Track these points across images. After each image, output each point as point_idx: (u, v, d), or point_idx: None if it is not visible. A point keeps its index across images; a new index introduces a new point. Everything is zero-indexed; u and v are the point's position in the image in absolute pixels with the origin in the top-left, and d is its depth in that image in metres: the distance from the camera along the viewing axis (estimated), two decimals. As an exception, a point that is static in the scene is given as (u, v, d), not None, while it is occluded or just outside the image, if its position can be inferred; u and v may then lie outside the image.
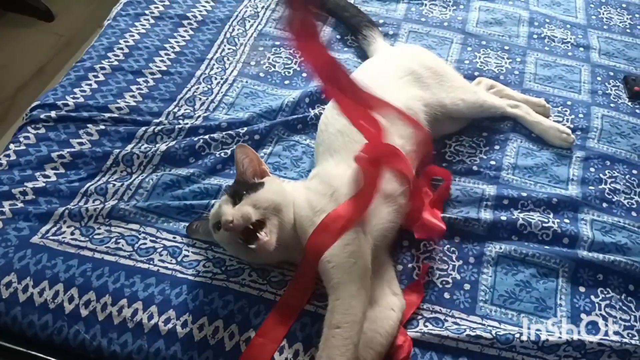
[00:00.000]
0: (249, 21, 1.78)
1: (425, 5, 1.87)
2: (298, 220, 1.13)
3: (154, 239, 1.22)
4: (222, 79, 1.59)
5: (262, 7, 1.83)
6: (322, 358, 0.98)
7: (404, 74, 1.39)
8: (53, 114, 1.43)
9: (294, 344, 1.07)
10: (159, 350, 1.07)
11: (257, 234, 1.06)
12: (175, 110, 1.49)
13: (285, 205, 1.13)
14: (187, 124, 1.45)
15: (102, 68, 1.57)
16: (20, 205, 1.26)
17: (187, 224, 1.24)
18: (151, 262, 1.18)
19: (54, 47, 2.61)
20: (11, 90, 2.41)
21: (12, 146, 1.37)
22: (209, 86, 1.56)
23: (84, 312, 1.10)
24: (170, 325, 1.08)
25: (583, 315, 1.16)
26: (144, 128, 1.43)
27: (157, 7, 1.78)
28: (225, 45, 1.68)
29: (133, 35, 1.68)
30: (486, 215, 1.29)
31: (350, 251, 1.06)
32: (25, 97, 2.29)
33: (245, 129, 1.43)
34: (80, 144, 1.39)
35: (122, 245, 1.20)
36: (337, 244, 1.06)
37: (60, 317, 1.10)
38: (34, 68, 2.51)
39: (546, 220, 1.29)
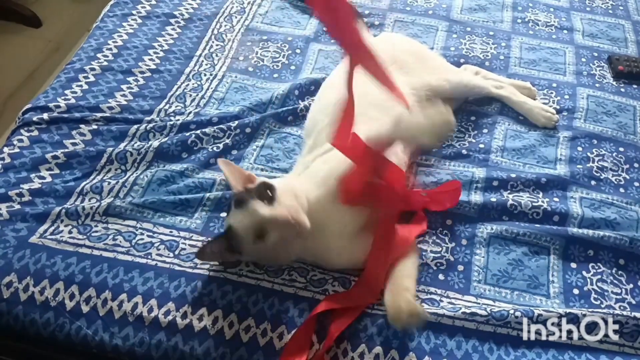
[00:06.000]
0: (236, 17, 1.79)
1: (410, -6, 1.89)
2: (315, 198, 1.15)
3: (150, 234, 1.24)
4: (211, 74, 1.60)
5: (248, 3, 1.84)
6: None
7: (388, 64, 1.40)
8: (45, 116, 1.44)
9: (293, 331, 1.09)
10: (160, 341, 1.08)
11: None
12: (166, 107, 1.50)
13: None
14: (178, 120, 1.46)
15: (92, 69, 1.58)
16: (17, 206, 1.26)
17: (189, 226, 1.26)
18: (149, 257, 1.19)
19: (43, 53, 2.61)
20: (2, 97, 2.41)
21: (6, 149, 1.38)
22: (198, 82, 1.58)
23: (85, 309, 1.12)
24: (170, 317, 1.10)
25: (576, 291, 1.18)
26: (136, 126, 1.44)
27: (144, 7, 1.79)
28: (213, 42, 1.70)
29: (121, 36, 1.69)
30: (476, 197, 1.31)
31: None
32: (17, 102, 2.28)
33: (237, 122, 1.45)
34: (74, 144, 1.40)
35: (120, 242, 1.21)
36: None
37: (61, 314, 1.11)
38: (24, 74, 2.50)
39: (536, 199, 1.31)
